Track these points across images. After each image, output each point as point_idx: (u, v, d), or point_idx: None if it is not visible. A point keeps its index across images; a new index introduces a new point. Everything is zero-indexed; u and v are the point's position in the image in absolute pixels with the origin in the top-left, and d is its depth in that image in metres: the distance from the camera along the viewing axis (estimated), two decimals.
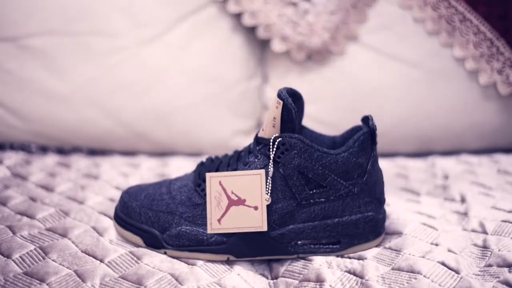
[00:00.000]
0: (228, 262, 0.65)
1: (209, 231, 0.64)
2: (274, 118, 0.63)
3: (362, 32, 1.01)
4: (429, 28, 0.99)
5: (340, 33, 1.00)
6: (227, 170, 0.66)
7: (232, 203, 0.64)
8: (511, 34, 0.98)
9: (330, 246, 0.66)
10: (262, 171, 0.63)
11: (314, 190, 0.64)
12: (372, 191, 0.66)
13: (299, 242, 0.65)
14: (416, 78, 1.00)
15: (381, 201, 0.67)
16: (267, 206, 0.64)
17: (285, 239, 0.65)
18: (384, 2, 1.01)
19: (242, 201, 0.64)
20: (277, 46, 1.00)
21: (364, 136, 0.64)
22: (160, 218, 0.66)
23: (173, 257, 0.65)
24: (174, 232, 0.65)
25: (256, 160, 0.64)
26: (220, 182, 0.64)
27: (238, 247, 0.65)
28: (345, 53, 1.01)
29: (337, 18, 0.99)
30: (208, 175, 0.65)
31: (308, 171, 0.63)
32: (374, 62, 1.01)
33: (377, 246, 0.68)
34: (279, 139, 0.63)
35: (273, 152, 0.63)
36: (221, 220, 0.64)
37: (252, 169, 0.64)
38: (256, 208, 0.64)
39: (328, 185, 0.64)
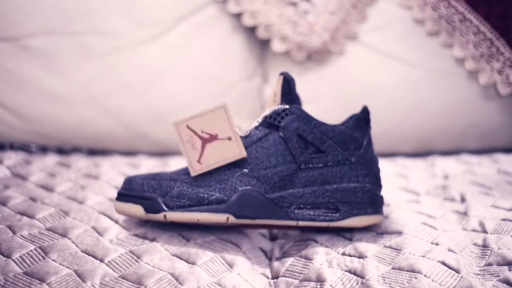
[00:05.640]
0: (228, 262, 0.65)
1: (192, 174, 0.66)
2: (275, 94, 0.67)
3: (362, 32, 1.01)
4: (429, 28, 0.99)
5: (340, 33, 1.00)
6: None
7: (205, 141, 0.66)
8: (511, 34, 0.98)
9: (330, 214, 0.67)
10: (225, 103, 0.65)
11: (313, 155, 0.67)
12: (369, 166, 0.69)
13: (299, 207, 0.67)
14: (416, 78, 1.00)
15: (378, 178, 0.70)
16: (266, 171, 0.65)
17: (285, 203, 0.66)
18: (384, 2, 1.01)
19: (214, 137, 0.66)
20: (277, 46, 1.00)
21: (359, 115, 0.70)
22: (162, 185, 0.67)
23: (173, 221, 0.65)
24: (175, 192, 0.65)
25: (258, 131, 0.68)
26: (187, 126, 0.66)
27: (238, 207, 0.65)
28: (345, 53, 1.01)
29: (337, 18, 0.99)
30: (173, 124, 0.66)
31: (307, 134, 0.67)
32: (374, 62, 1.01)
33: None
34: (279, 107, 0.67)
35: (274, 119, 0.66)
36: (200, 160, 0.66)
37: (254, 139, 0.67)
38: (229, 138, 0.65)
39: (326, 150, 0.67)
